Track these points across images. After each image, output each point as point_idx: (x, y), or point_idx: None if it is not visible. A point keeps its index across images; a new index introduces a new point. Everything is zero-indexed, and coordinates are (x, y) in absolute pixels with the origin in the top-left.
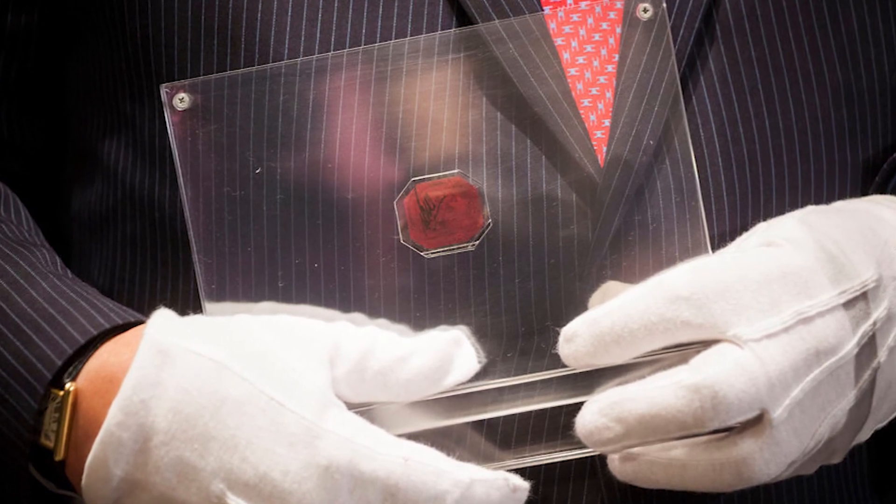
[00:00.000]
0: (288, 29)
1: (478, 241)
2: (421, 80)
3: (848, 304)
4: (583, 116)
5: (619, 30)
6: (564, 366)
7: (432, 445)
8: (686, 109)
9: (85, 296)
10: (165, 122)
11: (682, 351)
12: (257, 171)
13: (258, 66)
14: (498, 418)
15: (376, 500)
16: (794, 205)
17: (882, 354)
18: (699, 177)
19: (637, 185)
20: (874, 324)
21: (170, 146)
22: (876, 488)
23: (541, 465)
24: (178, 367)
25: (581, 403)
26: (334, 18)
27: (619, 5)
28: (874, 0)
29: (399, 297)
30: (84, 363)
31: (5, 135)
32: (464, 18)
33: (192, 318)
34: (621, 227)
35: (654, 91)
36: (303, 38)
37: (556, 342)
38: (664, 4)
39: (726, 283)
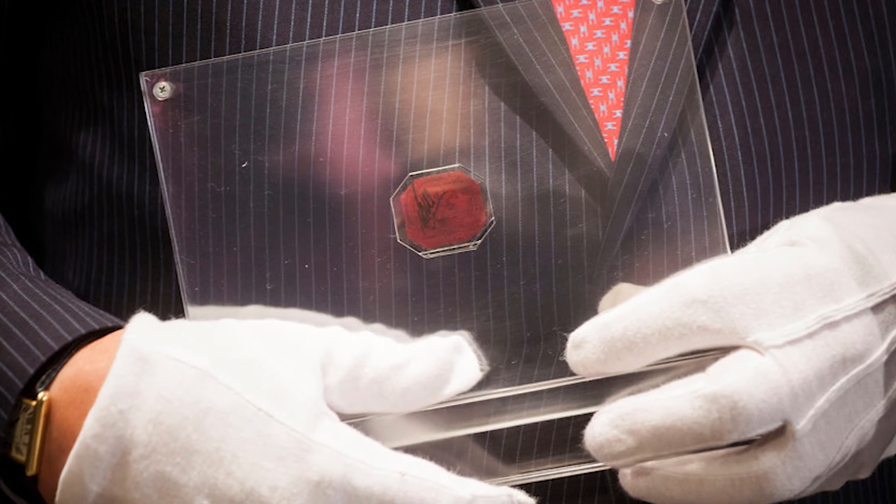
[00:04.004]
0: (277, 13)
1: (480, 241)
2: (419, 68)
3: (876, 308)
4: (592, 107)
5: (631, 14)
6: (573, 374)
7: (431, 459)
8: (703, 99)
9: (59, 299)
10: (145, 113)
11: (699, 358)
12: (243, 166)
13: (245, 53)
14: (501, 430)
15: None
16: (819, 201)
17: None
18: (717, 171)
19: (650, 181)
20: None
21: (150, 138)
22: None
23: (547, 481)
24: (159, 375)
25: (590, 414)
26: (326, 2)
27: None
28: None
29: (396, 300)
30: (58, 371)
31: None
32: (465, 2)
33: (174, 323)
34: (633, 225)
35: (669, 79)
36: (292, 23)
37: (563, 349)
38: None
39: (746, 286)
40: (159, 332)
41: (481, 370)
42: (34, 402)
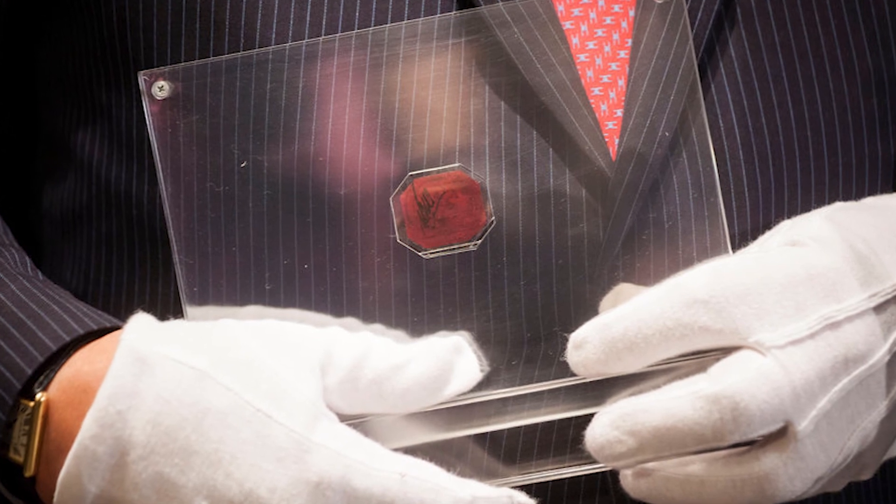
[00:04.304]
0: (276, 11)
1: (480, 241)
2: (419, 67)
3: (879, 308)
4: (593, 106)
5: (632, 12)
6: (573, 374)
7: (431, 460)
8: (704, 98)
9: (57, 299)
10: (144, 112)
11: (701, 359)
12: (242, 165)
13: (244, 52)
14: (502, 431)
15: None
16: (821, 201)
17: None
18: (718, 171)
19: (651, 180)
20: None
21: (148, 138)
22: None
23: (548, 482)
24: (158, 375)
25: (591, 415)
26: (325, 0)
27: None
28: None
29: (395, 300)
30: (56, 372)
31: None
32: (465, 0)
33: (173, 324)
34: (634, 225)
35: (671, 79)
36: (292, 22)
37: (564, 349)
38: None
39: (748, 286)
40: (158, 332)
41: (481, 371)
42: (32, 403)
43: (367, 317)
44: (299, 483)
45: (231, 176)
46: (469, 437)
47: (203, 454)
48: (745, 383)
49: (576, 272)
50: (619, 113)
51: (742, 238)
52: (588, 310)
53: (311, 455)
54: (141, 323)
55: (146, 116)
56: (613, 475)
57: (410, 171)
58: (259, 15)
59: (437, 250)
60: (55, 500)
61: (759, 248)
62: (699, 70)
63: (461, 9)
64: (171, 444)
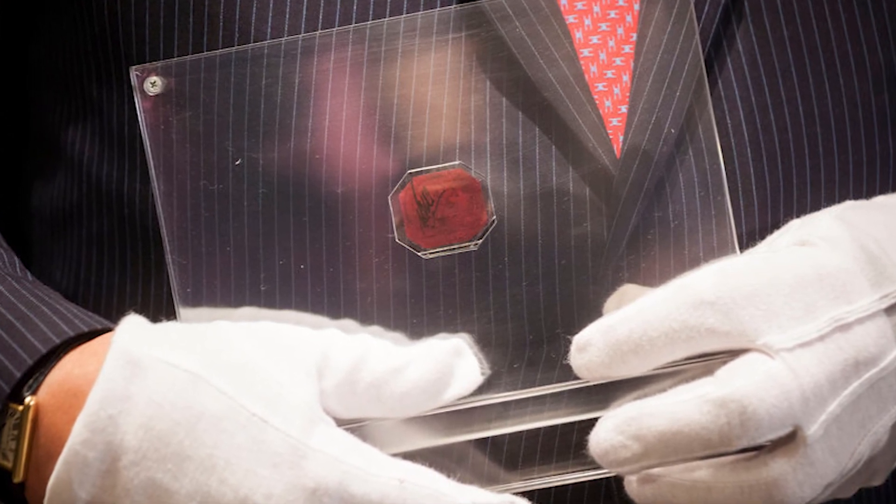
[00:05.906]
0: (271, 5)
1: (481, 240)
2: (418, 63)
3: (890, 310)
4: (597, 102)
5: (637, 6)
6: (577, 378)
7: (431, 466)
8: (711, 94)
9: (46, 300)
10: (135, 109)
11: (707, 361)
12: (237, 163)
13: (238, 47)
14: (503, 436)
15: None
16: (831, 200)
17: None
18: (726, 169)
19: (657, 179)
20: None
21: (140, 135)
22: None
23: (551, 488)
24: (150, 379)
25: (595, 419)
26: None
27: None
28: None
29: (394, 301)
30: (46, 375)
31: None
32: None
33: (165, 325)
34: (639, 224)
35: (676, 74)
36: (287, 16)
37: (567, 352)
38: None
39: (756, 287)
40: (150, 334)
41: (482, 374)
42: (21, 407)
43: (365, 318)
44: (295, 489)
45: (225, 174)
46: (470, 441)
47: (197, 459)
48: (753, 387)
49: (579, 273)
50: (624, 109)
51: (750, 237)
52: (592, 311)
53: (307, 460)
54: (133, 325)
55: (138, 113)
56: (618, 481)
57: (409, 169)
58: (254, 9)
59: (437, 250)
60: None
61: (767, 247)
62: (706, 65)
63: (461, 2)
64: (164, 449)
